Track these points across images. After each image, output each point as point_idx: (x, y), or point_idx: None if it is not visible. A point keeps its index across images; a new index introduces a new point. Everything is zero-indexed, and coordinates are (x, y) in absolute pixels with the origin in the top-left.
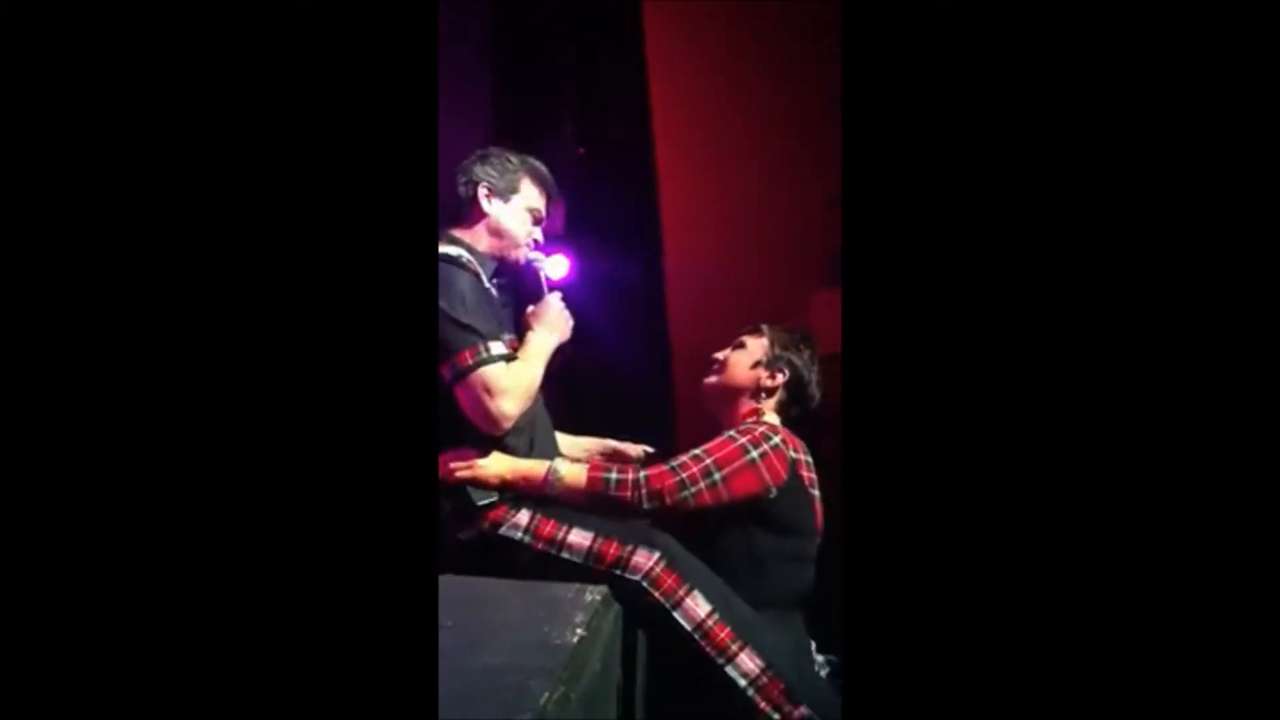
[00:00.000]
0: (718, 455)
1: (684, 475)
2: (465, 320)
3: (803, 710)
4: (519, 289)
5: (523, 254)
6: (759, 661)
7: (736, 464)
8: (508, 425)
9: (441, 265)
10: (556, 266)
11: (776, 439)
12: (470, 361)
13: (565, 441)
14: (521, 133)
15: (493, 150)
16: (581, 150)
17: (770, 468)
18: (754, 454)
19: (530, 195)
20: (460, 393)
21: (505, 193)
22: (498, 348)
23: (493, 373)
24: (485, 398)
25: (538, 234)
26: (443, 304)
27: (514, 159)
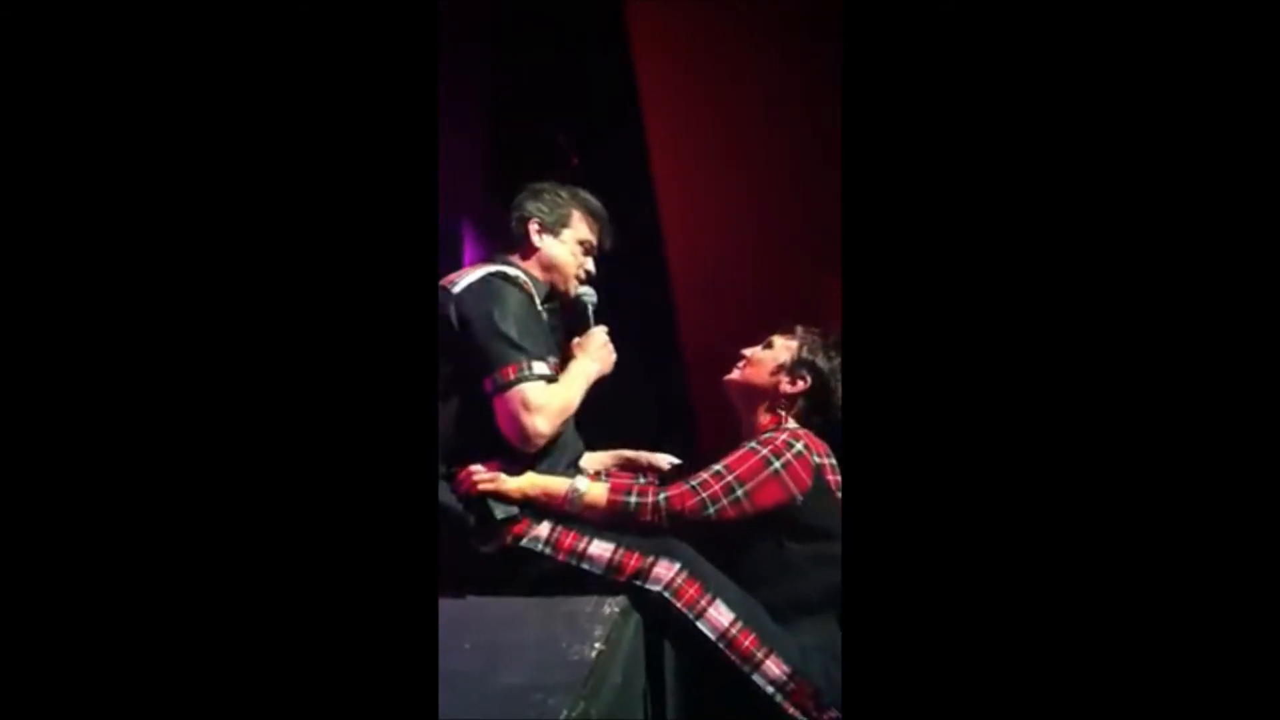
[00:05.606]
0: (739, 470)
1: (705, 494)
2: (514, 336)
3: (832, 714)
4: (567, 321)
5: (573, 287)
6: (785, 667)
7: (760, 477)
8: (540, 443)
9: (498, 281)
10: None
11: (799, 445)
12: (513, 376)
13: (584, 457)
14: (515, 146)
15: (544, 184)
16: (575, 161)
17: (794, 476)
18: (777, 464)
19: (580, 228)
20: (498, 405)
21: (555, 227)
22: (540, 367)
23: (532, 390)
24: (522, 412)
25: (589, 264)
26: (495, 318)
27: (564, 193)
